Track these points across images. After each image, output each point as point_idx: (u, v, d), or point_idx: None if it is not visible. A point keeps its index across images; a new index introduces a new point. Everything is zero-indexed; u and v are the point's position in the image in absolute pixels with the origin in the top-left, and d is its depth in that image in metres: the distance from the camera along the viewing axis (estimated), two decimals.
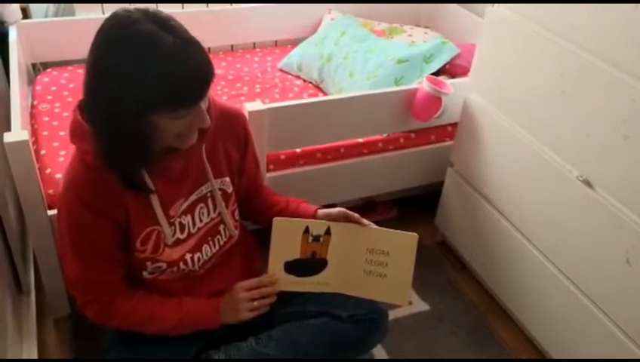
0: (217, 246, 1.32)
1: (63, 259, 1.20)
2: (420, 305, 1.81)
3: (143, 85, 0.97)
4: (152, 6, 1.03)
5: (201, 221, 1.27)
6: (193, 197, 1.24)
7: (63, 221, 1.15)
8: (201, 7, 2.31)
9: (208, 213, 1.28)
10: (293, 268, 1.28)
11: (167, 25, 0.99)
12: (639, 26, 1.19)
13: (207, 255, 1.30)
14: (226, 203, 1.30)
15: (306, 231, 1.27)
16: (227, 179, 1.30)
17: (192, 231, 1.26)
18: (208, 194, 1.27)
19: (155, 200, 1.16)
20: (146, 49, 0.96)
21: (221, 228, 1.32)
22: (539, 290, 1.60)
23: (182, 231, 1.24)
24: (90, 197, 1.10)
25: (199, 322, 1.25)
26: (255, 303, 1.25)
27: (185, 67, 0.98)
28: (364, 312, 1.34)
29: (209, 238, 1.30)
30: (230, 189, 1.31)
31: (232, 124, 1.29)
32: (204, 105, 1.07)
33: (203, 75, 1.02)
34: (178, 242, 1.24)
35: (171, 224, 1.21)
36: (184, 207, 1.23)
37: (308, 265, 1.29)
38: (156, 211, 1.17)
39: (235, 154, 1.31)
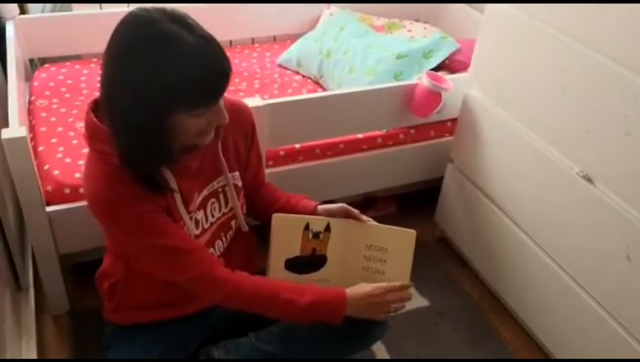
0: (228, 241, 1.32)
1: (151, 259, 1.15)
2: (420, 301, 1.81)
3: (165, 85, 0.97)
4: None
5: (213, 216, 1.27)
6: (205, 192, 1.23)
7: (124, 225, 1.11)
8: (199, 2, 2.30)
9: (220, 208, 1.28)
10: (294, 265, 1.28)
11: (186, 23, 0.99)
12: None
13: (219, 250, 1.30)
14: (237, 197, 1.30)
15: (306, 227, 1.27)
16: (237, 173, 1.30)
17: (205, 226, 1.25)
18: (219, 189, 1.26)
19: (177, 197, 1.15)
20: (168, 49, 0.96)
21: (232, 222, 1.32)
22: (539, 286, 1.60)
23: (197, 227, 1.23)
24: (128, 188, 1.08)
25: (327, 309, 1.19)
26: (392, 307, 1.23)
27: (206, 66, 0.98)
28: None
29: (221, 233, 1.30)
30: (240, 183, 1.31)
31: (240, 118, 1.29)
32: (222, 102, 1.07)
33: (223, 73, 1.02)
34: (194, 238, 1.23)
35: (191, 219, 1.20)
36: (197, 202, 1.22)
37: (308, 261, 1.29)
38: (178, 206, 1.16)
39: (242, 149, 1.31)
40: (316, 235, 1.28)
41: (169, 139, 1.04)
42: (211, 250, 1.27)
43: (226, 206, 1.29)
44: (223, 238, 1.30)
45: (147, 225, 1.11)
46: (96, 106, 1.11)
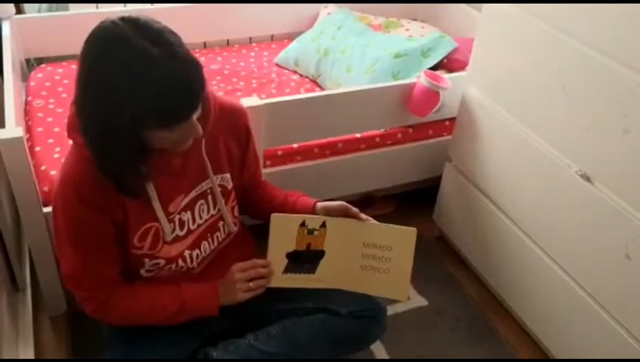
0: (216, 243, 1.32)
1: (60, 255, 1.19)
2: (419, 300, 1.81)
3: (133, 105, 0.96)
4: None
5: (200, 218, 1.26)
6: (193, 193, 1.23)
7: (60, 215, 1.14)
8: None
9: (208, 210, 1.27)
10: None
11: (159, 40, 0.96)
12: (639, 18, 1.18)
13: (205, 251, 1.30)
14: (226, 199, 1.30)
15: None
16: (227, 175, 1.29)
17: (192, 227, 1.25)
18: (208, 191, 1.26)
19: (154, 197, 1.15)
20: (136, 69, 0.94)
21: (220, 224, 1.31)
22: (537, 285, 1.60)
23: (181, 228, 1.23)
24: (88, 191, 1.10)
25: (199, 307, 1.23)
26: (251, 284, 1.23)
27: (176, 86, 0.97)
28: (363, 308, 1.34)
29: (208, 235, 1.29)
30: (230, 185, 1.30)
31: (233, 120, 1.29)
32: (196, 115, 1.05)
33: (194, 91, 1.00)
34: (177, 239, 1.23)
35: (170, 221, 1.20)
36: (184, 203, 1.22)
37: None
38: (155, 208, 1.16)
39: (235, 150, 1.31)
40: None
41: (140, 151, 1.05)
42: (197, 250, 1.27)
43: (214, 207, 1.29)
44: (210, 240, 1.30)
45: (83, 236, 1.14)
46: None
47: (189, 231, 1.25)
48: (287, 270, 1.28)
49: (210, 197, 1.27)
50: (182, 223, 1.23)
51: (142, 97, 0.95)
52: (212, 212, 1.28)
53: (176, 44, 0.98)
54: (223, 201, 1.29)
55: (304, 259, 1.29)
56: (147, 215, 1.17)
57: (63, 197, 1.12)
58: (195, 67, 1.00)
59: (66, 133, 1.12)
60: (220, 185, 1.27)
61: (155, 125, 1.01)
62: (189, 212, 1.24)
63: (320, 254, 1.29)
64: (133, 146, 1.03)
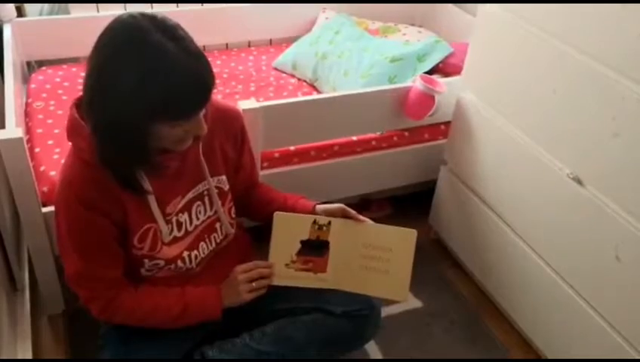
0: (214, 244, 1.33)
1: (63, 257, 1.19)
2: (414, 302, 1.82)
3: (147, 96, 0.98)
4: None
5: (197, 219, 1.28)
6: (190, 195, 1.25)
7: (62, 219, 1.15)
8: (196, 5, 2.32)
9: (205, 211, 1.29)
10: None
11: (174, 35, 1.00)
12: (629, 24, 1.20)
13: (203, 252, 1.31)
14: (223, 201, 1.31)
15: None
16: (223, 177, 1.30)
17: (189, 229, 1.27)
18: (205, 193, 1.28)
19: (151, 198, 1.17)
20: (152, 61, 0.97)
21: (217, 225, 1.33)
22: (531, 287, 1.61)
23: (179, 229, 1.25)
24: (88, 194, 1.11)
25: (202, 309, 1.25)
26: (254, 284, 1.25)
27: (188, 80, 1.00)
28: (357, 308, 1.35)
29: (206, 236, 1.31)
30: (226, 187, 1.32)
31: (229, 123, 1.30)
32: (202, 113, 1.08)
33: (205, 87, 1.03)
34: (175, 240, 1.25)
35: (168, 222, 1.22)
36: (181, 204, 1.24)
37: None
38: (152, 209, 1.18)
39: (231, 152, 1.32)
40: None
41: (146, 144, 1.06)
42: (195, 251, 1.29)
43: (211, 209, 1.30)
44: (208, 241, 1.32)
45: (85, 240, 1.15)
46: (80, 102, 1.12)
47: (187, 233, 1.26)
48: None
49: (207, 198, 1.28)
50: (179, 224, 1.25)
51: (153, 88, 0.97)
52: (209, 213, 1.30)
53: (189, 40, 1.02)
54: (220, 203, 1.30)
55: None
56: (146, 216, 1.18)
57: (64, 201, 1.13)
58: (207, 63, 1.03)
59: (66, 136, 1.14)
60: (216, 187, 1.29)
61: (164, 118, 1.02)
62: (186, 213, 1.25)
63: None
64: (139, 139, 1.04)
